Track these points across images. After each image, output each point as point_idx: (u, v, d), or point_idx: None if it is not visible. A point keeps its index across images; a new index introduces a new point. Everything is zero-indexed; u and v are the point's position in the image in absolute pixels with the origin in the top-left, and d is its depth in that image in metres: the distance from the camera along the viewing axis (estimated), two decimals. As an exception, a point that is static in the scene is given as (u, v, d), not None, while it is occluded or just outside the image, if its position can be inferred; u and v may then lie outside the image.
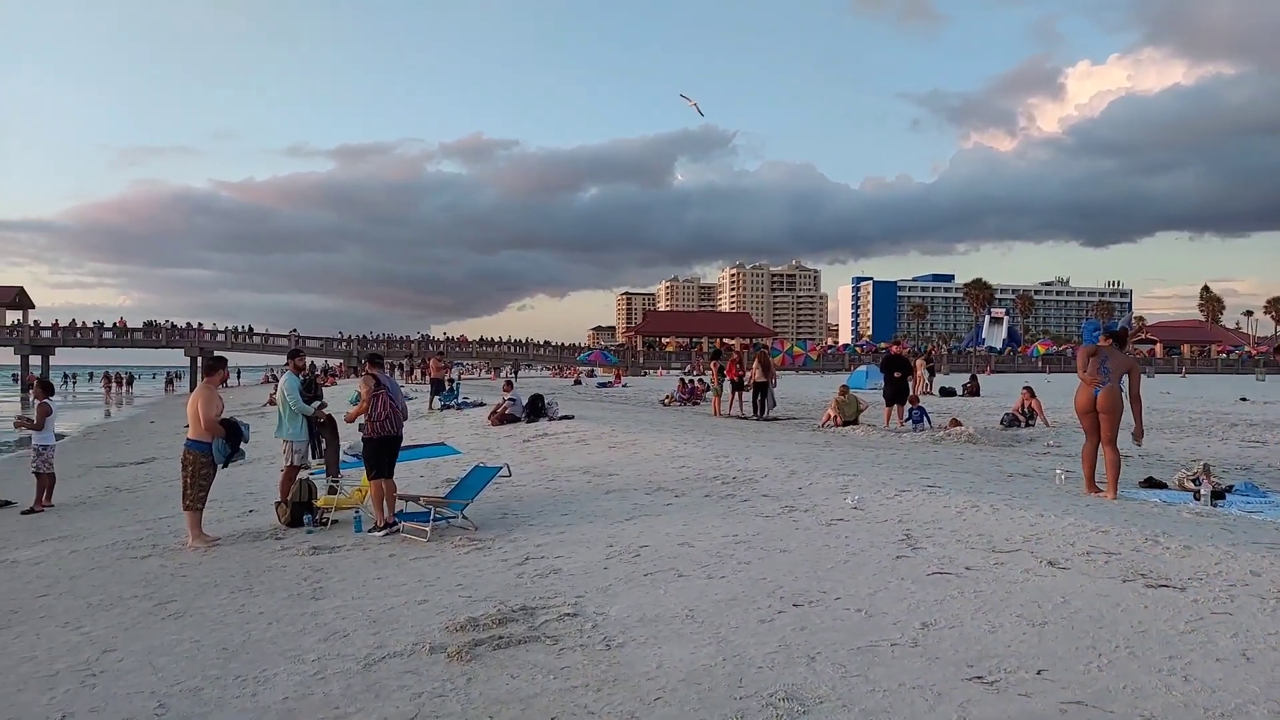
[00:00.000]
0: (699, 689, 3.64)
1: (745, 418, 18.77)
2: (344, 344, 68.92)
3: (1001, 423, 15.95)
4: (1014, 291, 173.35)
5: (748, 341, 67.30)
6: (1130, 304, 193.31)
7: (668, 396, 25.55)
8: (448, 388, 23.35)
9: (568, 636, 4.42)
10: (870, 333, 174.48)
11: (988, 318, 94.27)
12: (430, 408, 21.14)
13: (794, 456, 10.19)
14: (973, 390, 26.38)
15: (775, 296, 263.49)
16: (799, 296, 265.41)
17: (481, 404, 21.99)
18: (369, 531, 7.52)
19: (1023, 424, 15.83)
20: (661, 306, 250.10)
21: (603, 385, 39.92)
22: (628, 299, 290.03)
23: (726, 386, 19.80)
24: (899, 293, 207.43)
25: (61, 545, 8.16)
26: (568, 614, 4.77)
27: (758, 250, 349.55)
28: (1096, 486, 7.70)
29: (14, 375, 64.02)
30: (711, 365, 21.08)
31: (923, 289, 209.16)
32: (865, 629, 4.19)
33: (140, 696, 4.04)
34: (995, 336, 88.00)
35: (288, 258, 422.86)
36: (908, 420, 15.62)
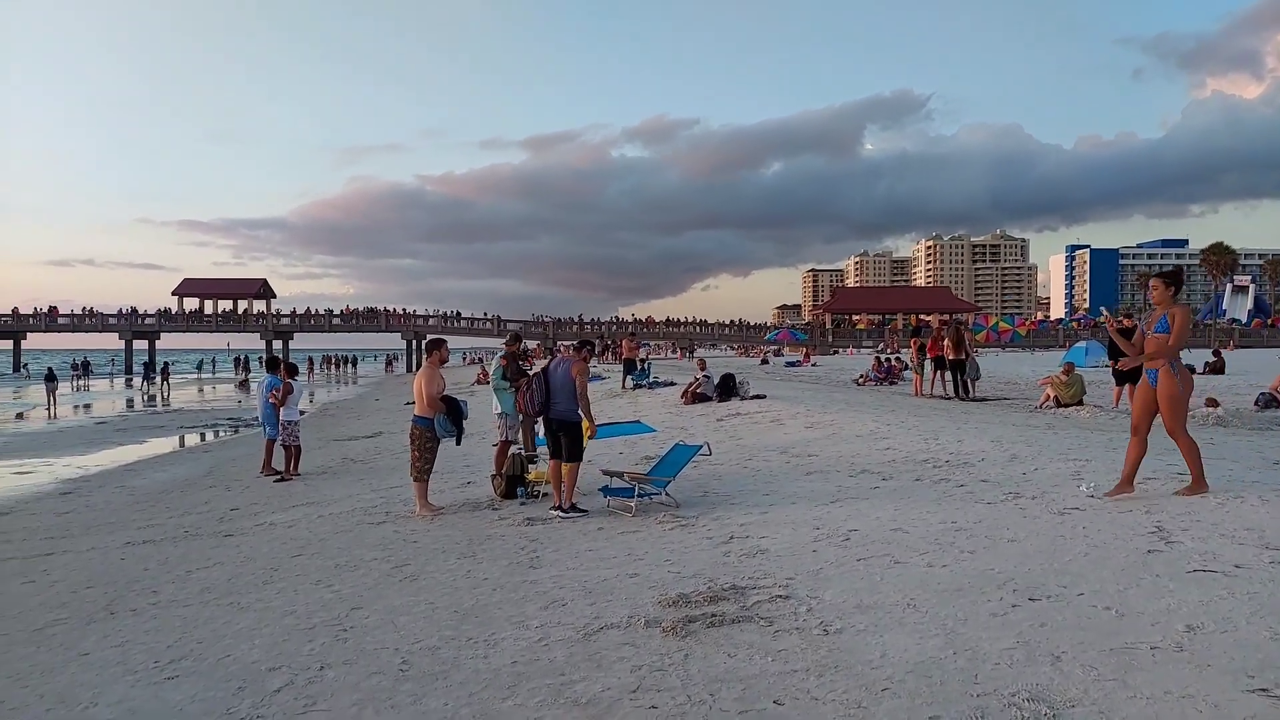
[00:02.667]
0: (929, 682, 3.44)
1: (948, 398, 17.77)
2: (541, 327, 72.18)
3: (1257, 403, 14.10)
4: (1261, 256, 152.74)
5: (946, 317, 63.78)
6: None
7: (862, 376, 24.72)
8: (640, 367, 23.81)
9: (782, 619, 4.33)
10: (1087, 305, 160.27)
11: (1229, 286, 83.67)
12: (624, 387, 21.65)
13: (1013, 439, 9.49)
14: (1216, 367, 23.54)
15: (977, 269, 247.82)
16: (1004, 268, 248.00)
17: (672, 383, 22.24)
18: (561, 512, 7.66)
19: (1283, 405, 13.91)
20: (850, 283, 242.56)
21: (791, 364, 39.28)
22: (814, 276, 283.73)
23: (928, 365, 18.85)
24: (1121, 261, 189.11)
25: (310, 511, 9.05)
26: (779, 596, 4.68)
27: (956, 220, 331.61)
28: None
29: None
30: (911, 343, 20.14)
31: (1149, 256, 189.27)
32: (1118, 629, 3.79)
33: (386, 652, 4.37)
34: (1239, 307, 78.00)
35: (487, 246, 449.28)
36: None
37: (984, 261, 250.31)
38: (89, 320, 70.32)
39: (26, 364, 65.71)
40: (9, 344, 70.14)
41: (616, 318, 77.55)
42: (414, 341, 72.51)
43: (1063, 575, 4.57)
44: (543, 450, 9.83)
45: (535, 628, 4.54)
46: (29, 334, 70.84)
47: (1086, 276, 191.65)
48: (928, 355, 18.64)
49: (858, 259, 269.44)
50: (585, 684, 3.74)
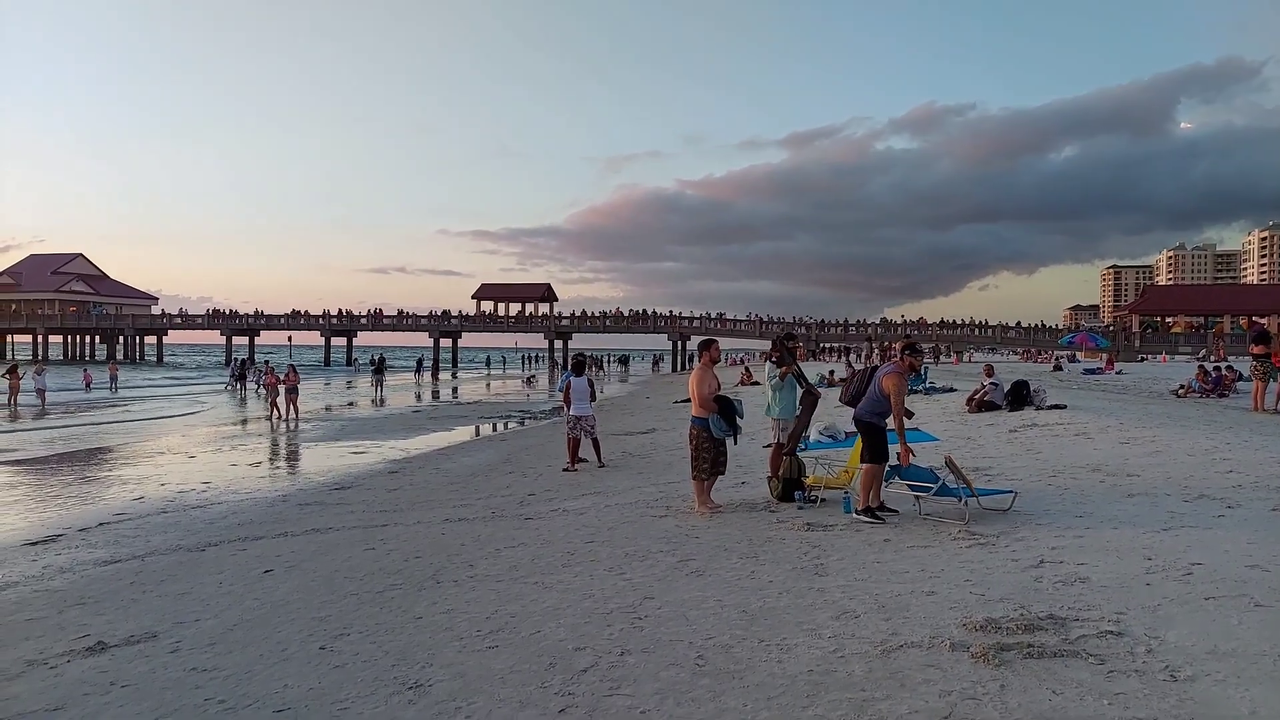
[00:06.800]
0: (1324, 756, 2.86)
1: (1301, 414, 15.00)
2: (804, 328, 71.24)
3: None
4: None
5: (1289, 320, 54.06)
6: None
7: (1183, 386, 21.65)
8: (916, 372, 22.63)
9: (1115, 658, 3.84)
10: None
11: None
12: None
13: (1403, 467, 7.78)
14: None
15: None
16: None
17: (952, 389, 20.97)
18: (856, 513, 7.48)
19: None
20: (1162, 280, 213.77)
21: (1090, 372, 35.37)
22: (1114, 273, 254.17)
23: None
24: None
25: (597, 500, 9.57)
26: (1110, 631, 4.16)
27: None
28: None
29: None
30: (1253, 350, 17.26)
31: None
32: None
33: (680, 645, 4.46)
34: None
35: (743, 247, 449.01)
36: None
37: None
38: (405, 321, 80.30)
39: (357, 358, 76.59)
40: (343, 341, 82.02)
41: (884, 319, 74.58)
42: (679, 342, 74.76)
43: None
44: (820, 453, 9.65)
45: (828, 638, 4.40)
46: (359, 332, 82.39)
47: None
48: (1273, 364, 15.89)
49: (1171, 253, 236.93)
50: (889, 703, 3.55)
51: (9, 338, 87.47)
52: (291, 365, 26.53)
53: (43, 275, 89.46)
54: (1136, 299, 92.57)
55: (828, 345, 68.00)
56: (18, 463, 15.04)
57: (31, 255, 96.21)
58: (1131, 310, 76.51)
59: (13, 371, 27.29)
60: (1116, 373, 33.73)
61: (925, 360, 45.20)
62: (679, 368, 71.38)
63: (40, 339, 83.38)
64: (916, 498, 7.32)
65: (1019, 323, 69.63)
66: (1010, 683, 3.65)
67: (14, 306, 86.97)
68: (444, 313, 79.51)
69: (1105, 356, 45.66)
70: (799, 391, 9.15)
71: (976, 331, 69.77)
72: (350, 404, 32.61)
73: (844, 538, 6.74)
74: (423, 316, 79.65)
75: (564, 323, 78.39)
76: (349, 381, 50.45)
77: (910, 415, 8.05)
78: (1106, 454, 9.68)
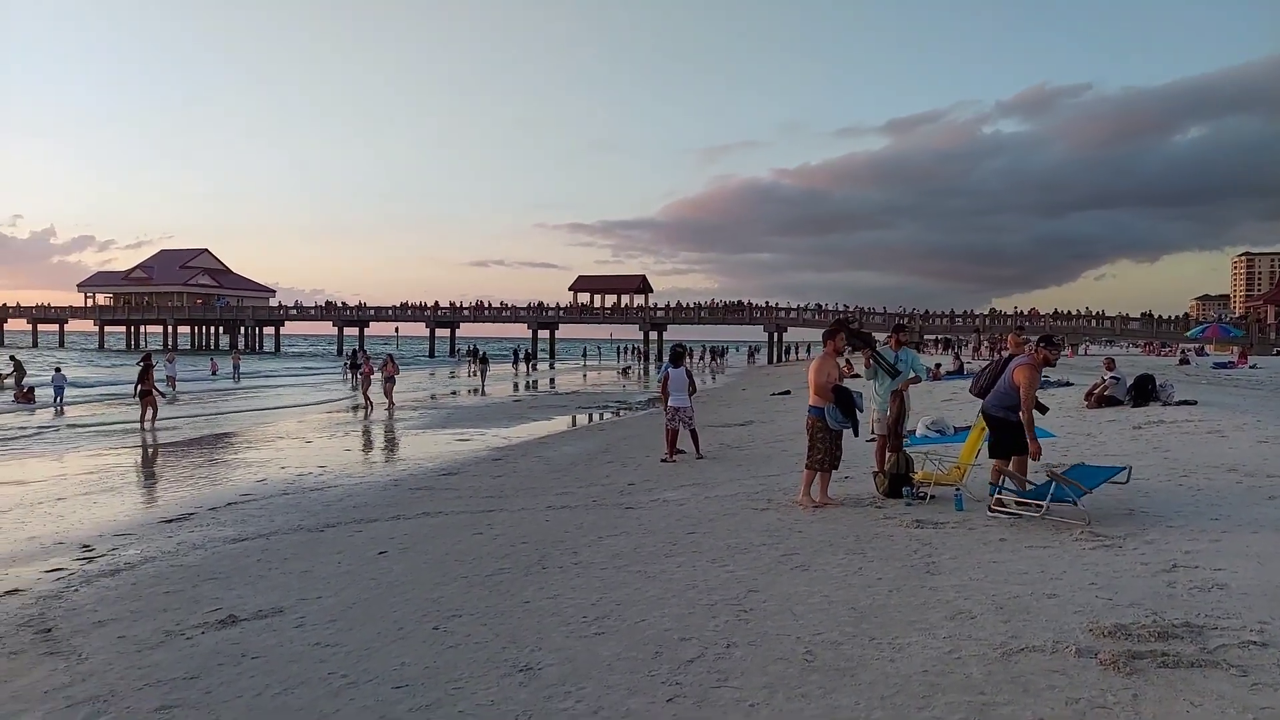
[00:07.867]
0: None
1: None
2: (906, 319, 69.36)
3: None
4: None
5: None
6: None
7: (1327, 381, 20.03)
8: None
9: (1260, 670, 3.59)
10: None
11: None
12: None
13: None
14: None
15: None
16: None
17: (1068, 383, 20.00)
18: (991, 510, 7.21)
19: None
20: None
21: (1220, 366, 33.14)
22: (1248, 261, 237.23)
23: None
24: None
25: (696, 491, 9.55)
26: (1253, 642, 3.89)
27: None
28: None
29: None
30: None
31: None
32: None
33: (788, 640, 4.41)
34: None
35: (843, 237, 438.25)
36: None
37: None
38: (505, 313, 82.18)
39: (460, 349, 78.86)
40: (447, 332, 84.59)
41: (993, 310, 71.84)
42: (774, 334, 73.83)
43: None
44: (929, 449, 9.37)
45: (943, 638, 4.27)
46: (462, 324, 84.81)
47: None
48: None
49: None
50: (1011, 708, 3.42)
51: (143, 328, 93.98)
52: (389, 356, 27.30)
53: (172, 269, 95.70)
54: (1272, 288, 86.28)
55: (933, 337, 65.94)
56: (153, 445, 16.12)
57: (162, 251, 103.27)
58: (1267, 300, 71.30)
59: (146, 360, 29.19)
60: (1250, 367, 31.52)
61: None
62: (774, 360, 70.55)
63: (170, 329, 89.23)
64: (1035, 505, 6.98)
65: (1144, 313, 65.80)
66: (1144, 692, 3.45)
67: (147, 299, 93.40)
68: (540, 304, 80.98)
69: (1238, 350, 42.67)
70: (889, 380, 8.97)
71: (1093, 323, 66.34)
72: (453, 393, 33.58)
73: (956, 536, 6.52)
74: (522, 308, 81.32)
75: (659, 314, 78.59)
76: (452, 372, 51.95)
77: (1044, 411, 7.72)
78: (1243, 453, 9.05)
